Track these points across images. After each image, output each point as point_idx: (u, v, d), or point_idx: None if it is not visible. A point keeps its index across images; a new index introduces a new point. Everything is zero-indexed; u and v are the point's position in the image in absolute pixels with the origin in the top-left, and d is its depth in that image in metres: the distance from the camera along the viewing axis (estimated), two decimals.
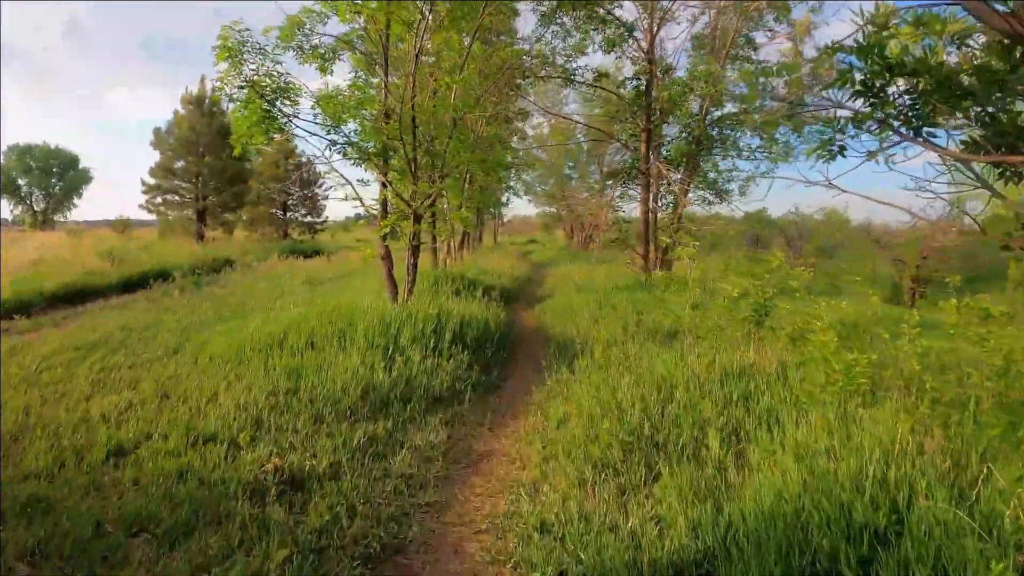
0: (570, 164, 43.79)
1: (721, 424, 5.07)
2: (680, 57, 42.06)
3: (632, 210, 17.32)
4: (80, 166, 68.93)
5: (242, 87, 8.66)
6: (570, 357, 8.32)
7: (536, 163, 22.64)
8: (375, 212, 10.16)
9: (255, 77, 8.68)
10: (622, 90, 16.20)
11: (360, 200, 10.14)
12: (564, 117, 15.50)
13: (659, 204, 15.30)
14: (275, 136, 9.53)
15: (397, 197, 9.69)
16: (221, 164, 35.78)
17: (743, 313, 7.67)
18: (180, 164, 36.28)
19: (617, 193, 16.46)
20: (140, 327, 10.82)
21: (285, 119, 8.96)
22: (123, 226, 40.94)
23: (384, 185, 9.69)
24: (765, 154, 14.55)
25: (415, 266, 9.84)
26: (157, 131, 36.29)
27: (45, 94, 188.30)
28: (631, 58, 15.50)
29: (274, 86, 8.79)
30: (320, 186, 44.01)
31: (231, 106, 9.23)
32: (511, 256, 27.25)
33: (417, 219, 9.69)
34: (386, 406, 6.55)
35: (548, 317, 11.97)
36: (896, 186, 5.42)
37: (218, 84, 8.80)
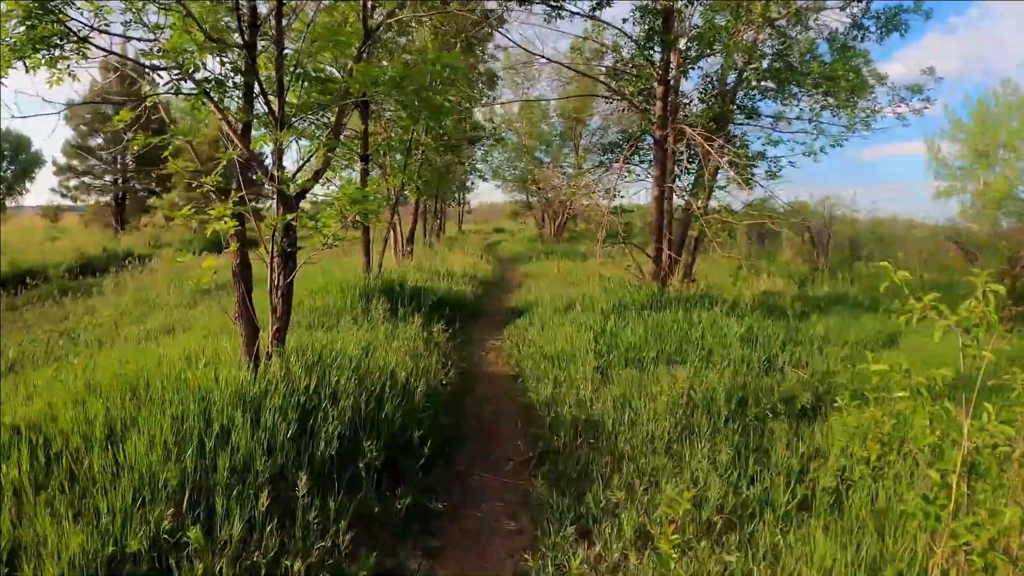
0: (543, 147, 39.90)
1: None
2: None
3: (632, 196, 13.48)
4: (32, 149, 63.53)
5: None
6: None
7: (503, 144, 18.50)
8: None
9: None
10: (630, 27, 11.98)
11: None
12: (548, 59, 11.10)
13: (676, 185, 11.39)
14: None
15: (251, 159, 5.72)
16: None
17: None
18: (98, 141, 31.47)
19: (612, 173, 12.36)
20: None
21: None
22: (53, 212, 36.22)
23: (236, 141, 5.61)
24: (835, 113, 10.81)
25: (289, 290, 5.83)
26: (70, 103, 31.32)
27: None
28: None
29: None
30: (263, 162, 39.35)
31: None
32: (475, 249, 23.26)
33: (286, 204, 5.70)
34: None
35: (527, 364, 8.09)
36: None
37: None
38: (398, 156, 11.96)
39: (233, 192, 5.60)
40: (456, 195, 38.34)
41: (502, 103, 19.82)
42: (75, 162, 31.50)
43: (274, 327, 5.68)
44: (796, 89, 10.93)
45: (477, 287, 14.73)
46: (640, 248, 11.62)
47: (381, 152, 12.56)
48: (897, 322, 3.11)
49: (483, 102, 16.90)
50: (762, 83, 10.83)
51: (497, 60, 18.01)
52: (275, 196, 5.64)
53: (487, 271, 17.98)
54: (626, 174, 11.75)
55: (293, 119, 5.59)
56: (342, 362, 5.91)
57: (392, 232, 16.87)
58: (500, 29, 12.29)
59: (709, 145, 9.51)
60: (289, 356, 5.70)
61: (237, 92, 5.50)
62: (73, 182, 31.60)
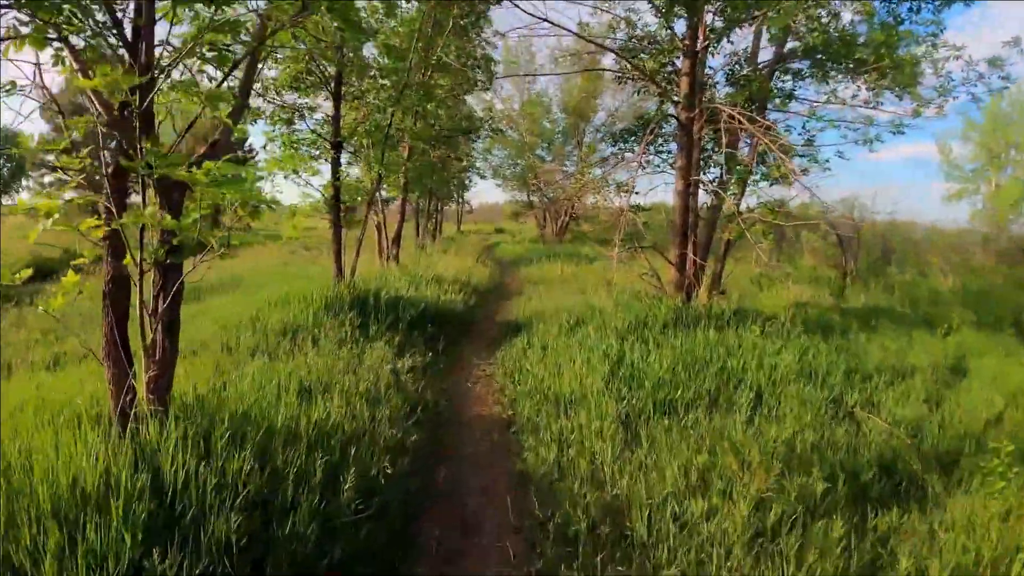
0: (544, 144, 38.13)
1: None
2: None
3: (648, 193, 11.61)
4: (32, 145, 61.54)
5: None
6: None
7: (501, 136, 16.62)
8: None
9: None
10: None
11: None
12: (556, 25, 9.20)
13: (703, 178, 9.53)
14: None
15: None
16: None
17: None
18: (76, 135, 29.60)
19: (629, 164, 10.45)
20: None
21: None
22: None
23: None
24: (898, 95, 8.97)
25: (173, 321, 4.02)
26: (47, 95, 29.52)
27: None
28: None
29: None
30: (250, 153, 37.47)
31: None
32: (472, 252, 21.42)
33: (163, 194, 3.93)
34: None
35: (524, 406, 6.25)
36: None
37: None
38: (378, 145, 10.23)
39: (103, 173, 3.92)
40: (454, 194, 36.46)
41: (503, 77, 18.10)
42: (51, 157, 29.70)
43: (150, 375, 3.88)
44: (847, 65, 9.10)
45: (470, 295, 12.92)
46: (661, 253, 9.81)
47: (360, 141, 10.76)
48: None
49: (480, 83, 15.01)
50: (813, 57, 8.98)
51: (495, 47, 16.19)
52: (139, 182, 3.86)
53: (483, 276, 16.17)
54: (644, 165, 9.90)
55: (167, 63, 3.77)
56: (252, 425, 4.10)
57: (377, 233, 15.08)
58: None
59: (754, 127, 7.68)
60: (177, 417, 3.89)
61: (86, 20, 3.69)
62: (48, 178, 29.87)
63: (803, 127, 10.19)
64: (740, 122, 7.80)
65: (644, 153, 8.46)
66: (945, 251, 23.50)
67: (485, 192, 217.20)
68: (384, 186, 13.08)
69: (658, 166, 10.88)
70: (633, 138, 10.92)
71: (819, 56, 9.16)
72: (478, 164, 33.40)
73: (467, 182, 33.53)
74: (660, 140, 11.21)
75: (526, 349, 8.45)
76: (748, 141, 10.05)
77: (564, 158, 37.34)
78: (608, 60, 21.19)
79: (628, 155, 11.37)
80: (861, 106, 9.32)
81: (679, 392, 6.00)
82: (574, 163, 37.53)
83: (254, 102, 9.37)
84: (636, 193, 10.62)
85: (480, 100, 18.05)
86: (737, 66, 10.63)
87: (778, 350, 7.84)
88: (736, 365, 7.05)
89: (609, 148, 14.82)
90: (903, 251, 21.90)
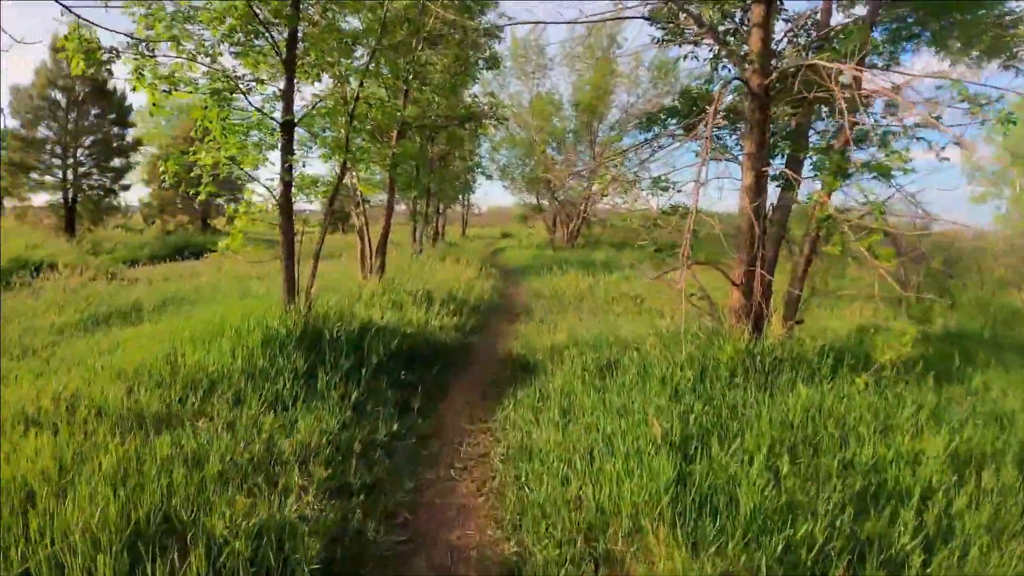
0: (554, 144, 35.72)
1: None
2: None
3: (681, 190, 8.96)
4: None
5: None
6: None
7: (505, 125, 14.05)
8: None
9: None
10: None
11: None
12: None
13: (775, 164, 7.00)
14: None
15: None
16: (97, 132, 27.02)
17: None
18: (47, 133, 27.42)
19: (670, 149, 7.87)
20: None
21: None
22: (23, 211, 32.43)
23: None
24: None
25: None
26: (16, 89, 27.36)
27: None
28: None
29: None
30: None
31: None
32: (475, 259, 18.92)
33: None
34: None
35: (533, 541, 3.77)
36: None
37: None
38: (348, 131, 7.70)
39: None
40: (458, 196, 34.00)
41: (510, 24, 15.74)
42: (17, 155, 27.46)
43: None
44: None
45: (466, 318, 10.44)
46: (721, 270, 7.29)
47: (320, 121, 8.27)
48: None
49: (482, 62, 12.58)
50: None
51: (501, 38, 13.75)
52: None
53: (484, 291, 13.67)
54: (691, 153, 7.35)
55: None
56: None
57: (360, 240, 12.64)
58: None
59: (883, 91, 5.16)
60: None
61: None
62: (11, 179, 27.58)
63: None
64: (848, 87, 5.30)
65: (707, 135, 5.93)
66: (1002, 259, 20.90)
67: (495, 194, 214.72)
68: (353, 181, 10.57)
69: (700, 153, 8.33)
70: (673, 120, 8.40)
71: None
72: (484, 164, 30.99)
73: (472, 183, 31.00)
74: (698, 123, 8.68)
75: (538, 408, 5.96)
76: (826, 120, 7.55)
77: (576, 158, 34.84)
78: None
79: (664, 141, 8.86)
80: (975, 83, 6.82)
81: (801, 529, 3.49)
82: (586, 162, 35.06)
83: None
84: (677, 191, 8.15)
85: (484, 94, 15.67)
86: (806, 29, 8.12)
87: (909, 417, 5.34)
88: (861, 455, 4.57)
89: (634, 136, 12.31)
90: (956, 260, 19.24)
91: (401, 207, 21.66)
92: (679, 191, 8.34)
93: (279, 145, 7.54)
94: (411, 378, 6.77)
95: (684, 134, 7.98)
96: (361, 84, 7.67)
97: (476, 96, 13.97)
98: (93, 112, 27.01)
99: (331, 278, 12.81)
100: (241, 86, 7.52)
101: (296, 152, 7.80)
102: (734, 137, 8.76)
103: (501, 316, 11.87)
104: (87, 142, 27.48)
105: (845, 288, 15.97)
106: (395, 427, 5.54)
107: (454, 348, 8.55)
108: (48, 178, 27.47)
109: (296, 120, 7.60)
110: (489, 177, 31.50)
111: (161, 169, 7.33)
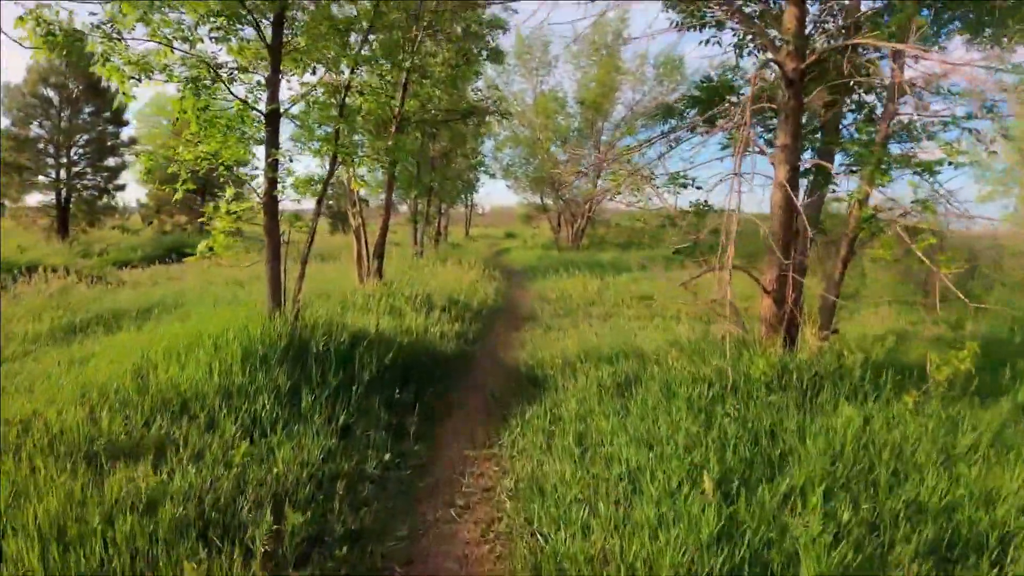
0: (558, 142, 35.02)
1: None
2: None
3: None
4: None
5: None
6: None
7: (512, 134, 13.23)
8: None
9: None
10: None
11: None
12: None
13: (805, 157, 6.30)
14: None
15: None
16: (91, 131, 26.41)
17: None
18: (41, 132, 26.79)
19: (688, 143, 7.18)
20: None
21: None
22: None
23: None
24: None
25: None
26: (7, 87, 26.75)
27: None
28: None
29: None
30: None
31: None
32: (478, 260, 18.24)
33: None
34: None
35: None
36: None
37: None
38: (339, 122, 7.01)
39: None
40: (461, 195, 33.31)
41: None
42: (9, 155, 26.84)
43: None
44: None
45: (468, 324, 9.78)
46: (749, 273, 6.60)
47: (310, 114, 7.61)
48: None
49: (485, 54, 11.91)
50: None
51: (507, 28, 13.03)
52: None
53: (487, 294, 13.00)
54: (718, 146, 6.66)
55: None
56: None
57: (356, 242, 11.98)
58: None
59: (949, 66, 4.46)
60: None
61: None
62: (4, 179, 26.96)
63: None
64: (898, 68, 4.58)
65: (746, 122, 5.22)
66: (1020, 259, 20.14)
67: (498, 194, 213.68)
68: (342, 178, 9.87)
69: (722, 146, 7.67)
70: (694, 110, 7.72)
71: None
72: (487, 162, 30.31)
73: (475, 182, 30.31)
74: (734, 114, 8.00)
75: (549, 432, 5.29)
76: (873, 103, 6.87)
77: (584, 152, 34.13)
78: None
79: (682, 134, 8.18)
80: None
81: None
82: (597, 156, 34.32)
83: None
84: (697, 187, 7.49)
85: (488, 87, 14.97)
86: (834, 13, 7.44)
87: (971, 444, 4.68)
88: (930, 495, 3.91)
89: (652, 128, 11.57)
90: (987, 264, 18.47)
91: (403, 207, 21.03)
92: (698, 187, 7.70)
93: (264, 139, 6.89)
94: (407, 396, 6.09)
95: (706, 126, 7.29)
96: (353, 71, 7.01)
97: (480, 90, 13.29)
98: (87, 110, 26.37)
99: (326, 282, 12.16)
100: (223, 74, 6.86)
101: (286, 147, 7.15)
102: (759, 128, 8.08)
103: (506, 322, 11.19)
104: (81, 140, 26.84)
105: (865, 290, 15.39)
106: (387, 456, 4.88)
107: (455, 358, 7.89)
108: (41, 178, 26.84)
109: (282, 110, 6.94)
110: (492, 176, 30.74)
111: (138, 168, 6.70)
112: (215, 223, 7.12)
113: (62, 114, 26.01)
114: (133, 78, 6.20)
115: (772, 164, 6.47)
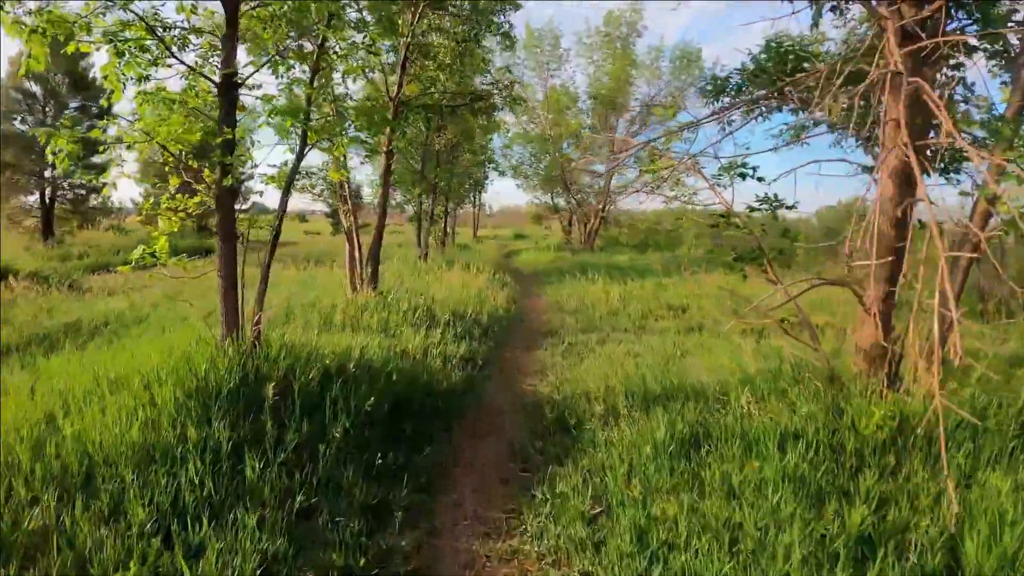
0: (570, 139, 33.56)
1: None
2: None
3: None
4: None
5: None
6: None
7: (520, 106, 11.72)
8: None
9: None
10: None
11: None
12: None
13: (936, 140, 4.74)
14: None
15: None
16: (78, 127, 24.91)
17: None
18: (23, 128, 25.38)
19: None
20: None
21: None
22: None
23: None
24: None
25: None
26: None
27: None
28: None
29: None
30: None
31: None
32: (487, 264, 16.71)
33: None
34: None
35: None
36: None
37: None
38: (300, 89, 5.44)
39: None
40: (469, 194, 31.79)
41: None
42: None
43: None
44: None
45: (476, 344, 8.25)
46: (854, 291, 5.03)
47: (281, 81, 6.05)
48: None
49: (491, 34, 10.38)
50: None
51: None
52: None
53: (498, 303, 11.46)
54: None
55: None
56: None
57: (348, 244, 10.46)
58: None
59: None
60: None
61: None
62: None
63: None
64: None
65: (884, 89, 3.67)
66: None
67: (507, 194, 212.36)
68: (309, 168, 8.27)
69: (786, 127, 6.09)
70: (759, 77, 6.15)
71: None
72: (496, 159, 28.82)
73: (484, 180, 28.74)
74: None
75: (591, 516, 3.75)
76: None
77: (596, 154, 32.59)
78: None
79: (737, 117, 6.63)
80: None
81: None
82: (603, 161, 32.93)
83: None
84: (758, 178, 6.03)
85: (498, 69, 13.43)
86: None
87: None
88: None
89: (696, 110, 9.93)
90: None
91: (411, 208, 19.55)
92: (759, 179, 6.21)
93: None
94: (397, 456, 4.56)
95: (778, 99, 5.73)
96: (329, 23, 5.46)
97: (490, 73, 11.73)
98: (73, 105, 24.99)
99: (315, 289, 10.66)
100: (167, 36, 5.35)
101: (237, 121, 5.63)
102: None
103: (520, 337, 9.65)
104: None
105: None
106: (360, 559, 3.35)
107: (460, 392, 6.33)
108: (26, 176, 25.46)
109: (241, 79, 5.42)
110: (502, 173, 29.26)
111: (49, 149, 5.20)
112: (159, 223, 5.67)
113: (46, 109, 24.63)
114: (36, 32, 4.71)
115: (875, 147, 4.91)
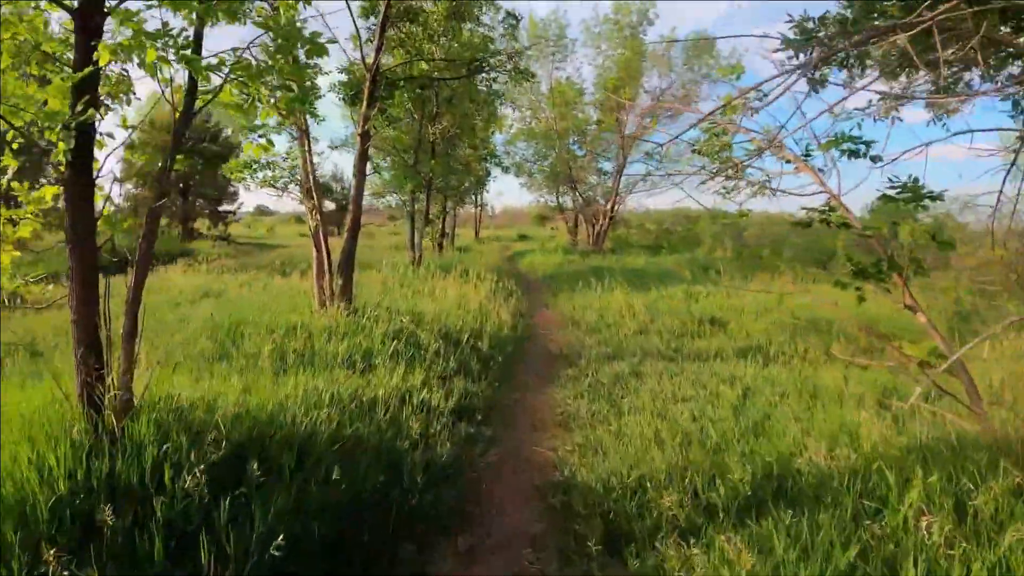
0: (574, 139, 31.77)
1: None
2: None
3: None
4: None
5: None
6: None
7: (526, 78, 9.77)
8: None
9: None
10: None
11: None
12: None
13: None
14: None
15: None
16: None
17: None
18: None
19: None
20: None
21: None
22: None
23: None
24: None
25: None
26: None
27: None
28: None
29: None
30: (232, 152, 31.09)
31: None
32: (488, 269, 14.74)
33: None
34: None
35: None
36: None
37: None
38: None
39: None
40: (469, 192, 29.80)
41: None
42: None
43: None
44: None
45: (475, 383, 6.29)
46: None
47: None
48: None
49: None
50: None
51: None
52: None
53: (502, 320, 9.49)
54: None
55: None
56: None
57: (316, 250, 8.50)
58: None
59: None
60: None
61: None
62: None
63: None
64: None
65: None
66: None
67: (510, 194, 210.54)
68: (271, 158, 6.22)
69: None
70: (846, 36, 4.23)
71: None
72: (499, 155, 26.91)
73: (485, 177, 26.67)
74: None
75: None
76: None
77: (601, 153, 30.68)
78: None
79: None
80: None
81: None
82: (610, 160, 31.06)
83: None
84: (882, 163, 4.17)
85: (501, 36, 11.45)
86: None
87: None
88: None
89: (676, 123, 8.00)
90: None
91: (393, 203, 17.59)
92: (873, 159, 4.45)
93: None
94: None
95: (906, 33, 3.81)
96: None
97: (493, 41, 9.75)
98: None
99: (272, 305, 8.69)
100: None
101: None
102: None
103: (530, 366, 7.69)
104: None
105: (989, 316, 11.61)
106: None
107: (450, 474, 4.34)
108: None
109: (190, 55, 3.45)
110: (506, 169, 27.31)
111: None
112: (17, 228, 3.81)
113: None
114: None
115: None
